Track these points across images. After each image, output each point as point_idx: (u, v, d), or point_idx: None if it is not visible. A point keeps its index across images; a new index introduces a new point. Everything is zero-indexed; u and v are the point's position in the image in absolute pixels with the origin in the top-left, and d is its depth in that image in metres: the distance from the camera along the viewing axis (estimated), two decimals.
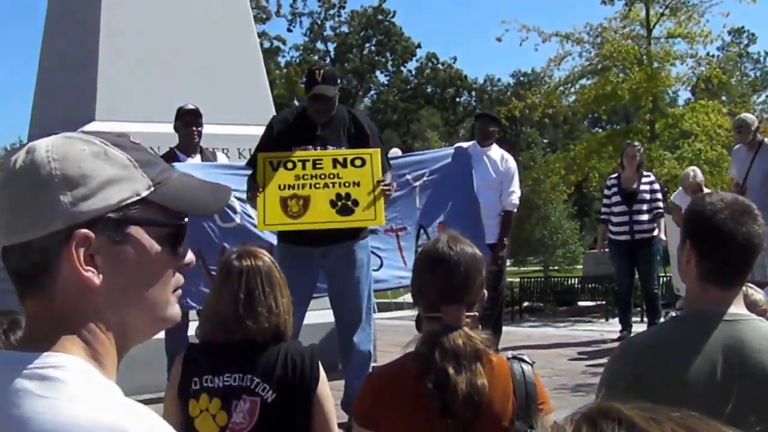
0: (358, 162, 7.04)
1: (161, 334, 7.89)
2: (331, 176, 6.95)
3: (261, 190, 6.79)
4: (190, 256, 1.57)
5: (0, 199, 1.44)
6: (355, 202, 6.94)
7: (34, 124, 11.66)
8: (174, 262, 1.53)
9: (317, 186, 6.91)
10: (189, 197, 1.54)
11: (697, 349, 2.84)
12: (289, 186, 6.86)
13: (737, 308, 2.92)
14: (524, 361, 3.17)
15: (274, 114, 10.81)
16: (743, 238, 2.85)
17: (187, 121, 8.42)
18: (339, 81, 7.35)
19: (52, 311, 1.43)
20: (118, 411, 1.34)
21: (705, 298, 2.93)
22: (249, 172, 7.24)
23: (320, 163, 6.97)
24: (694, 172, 11.91)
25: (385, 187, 7.05)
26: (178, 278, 1.55)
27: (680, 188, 11.86)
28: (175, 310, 1.55)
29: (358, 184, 6.98)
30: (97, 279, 1.41)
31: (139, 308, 1.49)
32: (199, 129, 8.44)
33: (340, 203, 6.93)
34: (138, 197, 1.46)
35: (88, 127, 9.66)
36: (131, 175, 1.46)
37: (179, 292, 1.56)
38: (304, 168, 6.93)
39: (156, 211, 1.48)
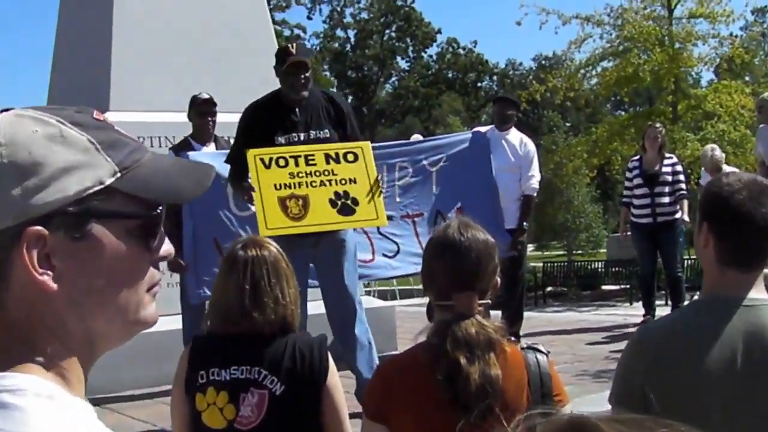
0: (350, 157, 6.94)
1: (179, 324, 7.86)
2: (326, 173, 6.83)
3: (255, 190, 6.65)
4: (166, 248, 1.35)
5: None
6: (355, 201, 6.84)
7: None
8: (147, 256, 1.32)
9: (314, 184, 6.78)
10: (162, 183, 1.32)
11: (715, 335, 2.75)
12: (285, 185, 6.71)
13: (757, 293, 2.82)
14: (539, 351, 3.08)
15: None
16: (762, 219, 2.75)
17: (202, 110, 8.37)
18: (311, 57, 7.27)
19: (6, 321, 1.23)
20: None
21: (723, 283, 2.83)
22: None
23: (313, 159, 6.83)
24: (713, 150, 11.78)
25: (381, 188, 7.05)
26: (153, 274, 1.34)
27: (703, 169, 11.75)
28: (149, 312, 1.34)
29: (355, 181, 6.89)
30: (53, 283, 1.22)
31: (106, 313, 1.28)
32: (214, 118, 8.39)
33: (340, 202, 6.82)
34: (101, 186, 1.24)
35: None
36: (93, 159, 1.25)
37: (156, 289, 1.35)
38: (297, 165, 6.78)
39: (123, 201, 1.27)
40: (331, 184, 6.82)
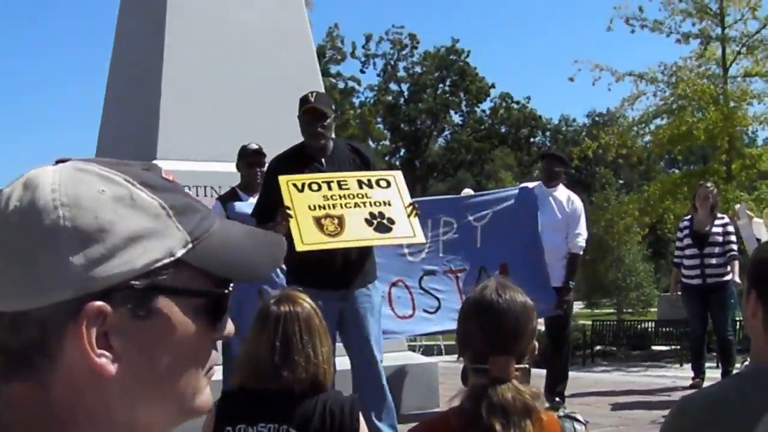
0: (383, 183, 6.83)
1: (219, 376, 7.79)
2: (360, 196, 6.69)
3: (290, 208, 6.45)
4: (229, 327, 1.20)
5: None
6: (391, 221, 6.69)
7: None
8: (211, 337, 1.17)
9: (348, 205, 6.62)
10: (235, 257, 1.17)
11: (761, 410, 2.63)
12: (320, 206, 6.55)
13: None
14: (577, 420, 2.95)
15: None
16: None
17: (251, 161, 8.36)
18: (333, 108, 7.19)
19: (46, 402, 1.09)
20: None
21: None
22: None
23: (345, 184, 6.70)
24: None
25: (417, 210, 6.89)
26: (214, 357, 1.19)
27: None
28: (204, 399, 1.18)
29: (389, 204, 6.74)
30: (111, 366, 1.07)
31: (161, 401, 1.13)
32: (262, 169, 8.34)
33: (375, 221, 6.66)
34: (171, 258, 1.10)
35: None
36: (163, 227, 1.11)
37: (213, 372, 1.20)
38: (330, 188, 6.64)
39: (193, 276, 1.13)
40: (365, 206, 6.68)
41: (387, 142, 67.10)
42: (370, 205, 6.71)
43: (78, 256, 1.04)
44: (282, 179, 6.61)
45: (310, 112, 6.80)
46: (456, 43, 67.80)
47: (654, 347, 18.72)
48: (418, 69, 69.24)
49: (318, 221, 6.48)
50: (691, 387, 11.07)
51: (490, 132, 71.85)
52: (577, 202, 9.71)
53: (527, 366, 2.96)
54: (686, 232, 11.41)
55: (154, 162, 9.33)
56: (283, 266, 7.89)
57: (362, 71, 67.82)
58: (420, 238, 6.93)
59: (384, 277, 7.25)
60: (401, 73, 69.33)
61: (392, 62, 68.17)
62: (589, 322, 20.64)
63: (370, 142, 56.88)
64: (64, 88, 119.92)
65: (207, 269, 1.13)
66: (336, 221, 6.54)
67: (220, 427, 3.42)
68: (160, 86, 10.09)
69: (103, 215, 1.06)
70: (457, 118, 72.70)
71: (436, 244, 8.54)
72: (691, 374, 11.93)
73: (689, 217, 11.80)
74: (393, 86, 69.72)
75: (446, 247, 8.70)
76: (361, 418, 3.46)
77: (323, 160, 6.86)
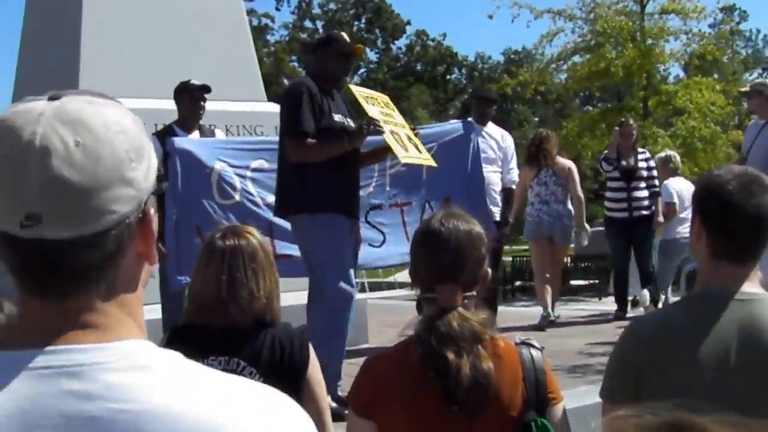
0: (391, 105, 7.15)
1: (158, 314, 7.69)
2: (394, 116, 7.01)
3: (378, 121, 6.53)
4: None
5: None
6: (414, 143, 6.99)
7: (16, 100, 11.41)
8: None
9: (395, 124, 6.93)
10: None
11: (708, 331, 2.71)
12: (385, 122, 6.71)
13: (751, 287, 2.78)
14: (533, 346, 2.98)
15: (263, 91, 10.69)
16: (753, 209, 2.70)
17: (197, 96, 8.07)
18: None
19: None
20: None
21: (716, 277, 2.78)
22: (251, 147, 7.87)
23: (379, 102, 7.02)
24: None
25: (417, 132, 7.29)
26: None
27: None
28: None
29: (404, 126, 7.06)
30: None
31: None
32: (205, 104, 8.13)
33: (411, 143, 6.93)
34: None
35: None
36: None
37: None
38: (379, 105, 6.93)
39: None
40: (396, 126, 6.96)
41: None
42: (401, 126, 7.01)
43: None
44: (356, 90, 6.87)
45: (358, 52, 7.01)
46: None
47: (572, 282, 18.90)
48: (332, 6, 68.73)
49: (393, 135, 6.67)
50: (615, 319, 11.28)
51: (406, 70, 71.80)
52: (509, 139, 9.93)
53: (475, 293, 2.97)
54: (614, 165, 11.53)
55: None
56: (221, 201, 7.86)
57: (277, 9, 67.16)
58: (432, 161, 7.27)
59: None
60: (316, 11, 68.77)
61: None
62: (509, 258, 20.79)
63: (285, 81, 56.38)
64: None
65: None
66: (399, 138, 6.74)
67: None
68: (80, 19, 9.82)
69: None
70: (372, 56, 72.49)
71: (383, 177, 8.56)
72: (610, 308, 12.16)
73: (616, 152, 11.80)
74: (308, 24, 69.15)
75: (393, 180, 8.73)
76: (312, 350, 3.47)
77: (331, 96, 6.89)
